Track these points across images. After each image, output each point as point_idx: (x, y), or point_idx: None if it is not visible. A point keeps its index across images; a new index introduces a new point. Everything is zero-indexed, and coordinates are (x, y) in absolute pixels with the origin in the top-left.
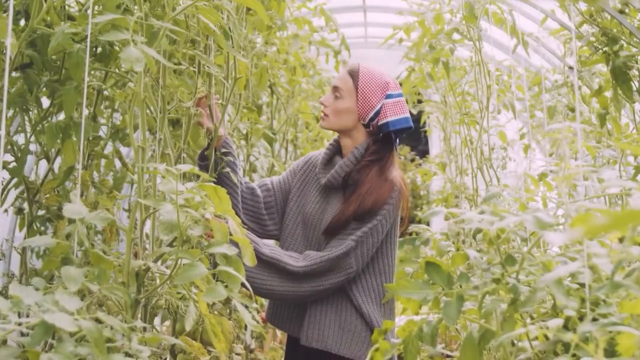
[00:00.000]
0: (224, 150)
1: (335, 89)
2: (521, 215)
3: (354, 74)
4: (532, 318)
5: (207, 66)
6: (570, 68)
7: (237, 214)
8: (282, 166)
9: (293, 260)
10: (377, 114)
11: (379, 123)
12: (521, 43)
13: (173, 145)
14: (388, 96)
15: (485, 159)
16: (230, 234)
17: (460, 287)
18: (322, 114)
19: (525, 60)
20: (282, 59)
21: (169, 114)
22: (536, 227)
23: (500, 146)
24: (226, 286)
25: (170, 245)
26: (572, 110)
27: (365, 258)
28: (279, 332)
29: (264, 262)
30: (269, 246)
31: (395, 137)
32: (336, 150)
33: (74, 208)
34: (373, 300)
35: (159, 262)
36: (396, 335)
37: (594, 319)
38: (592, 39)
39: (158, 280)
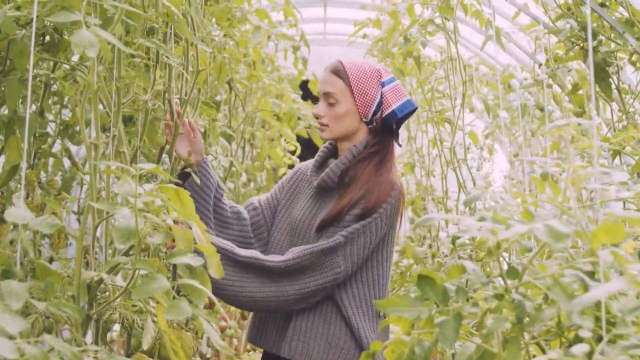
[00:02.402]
0: (199, 174)
1: (327, 95)
2: (530, 223)
3: (341, 73)
4: (533, 337)
5: (166, 56)
6: (541, 65)
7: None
8: (241, 165)
9: (273, 257)
10: (379, 105)
11: (384, 114)
12: (494, 38)
13: (128, 143)
14: (383, 84)
15: (460, 159)
16: (195, 242)
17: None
18: (320, 126)
19: (491, 57)
20: (241, 53)
21: (124, 109)
22: (549, 237)
23: (478, 146)
24: (190, 301)
25: (127, 254)
26: (541, 109)
27: (355, 259)
28: (235, 340)
29: (242, 265)
30: (246, 250)
31: (396, 125)
32: (331, 153)
33: (17, 212)
34: (365, 313)
35: (115, 273)
36: (384, 357)
37: (611, 341)
38: (568, 34)
39: (112, 293)
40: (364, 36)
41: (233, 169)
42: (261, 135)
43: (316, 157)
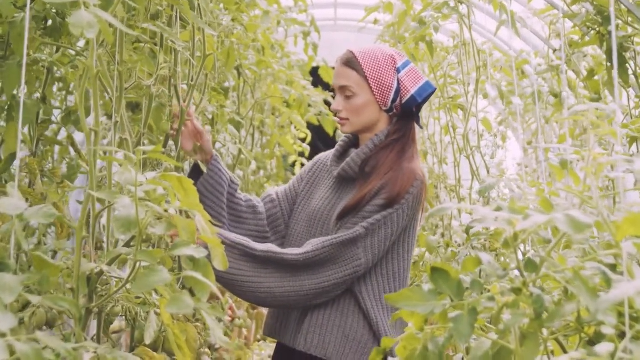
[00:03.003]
0: (210, 172)
1: (343, 89)
2: (549, 213)
3: (354, 64)
4: (552, 333)
5: (171, 41)
6: (555, 51)
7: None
8: (250, 153)
9: (291, 250)
10: (398, 92)
11: (403, 101)
12: (508, 23)
13: (132, 130)
14: (399, 69)
15: (473, 146)
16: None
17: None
18: (340, 120)
19: (505, 43)
20: (250, 38)
21: (129, 94)
22: (571, 228)
23: (491, 133)
24: (193, 294)
25: (128, 245)
26: (556, 95)
27: (375, 252)
28: (244, 330)
29: (259, 259)
30: (262, 244)
31: (416, 109)
32: (352, 143)
33: (11, 202)
34: (384, 306)
35: (115, 265)
36: (395, 354)
37: (634, 337)
38: (584, 18)
39: (115, 285)
40: (375, 21)
41: (242, 156)
42: (271, 122)
43: (337, 146)
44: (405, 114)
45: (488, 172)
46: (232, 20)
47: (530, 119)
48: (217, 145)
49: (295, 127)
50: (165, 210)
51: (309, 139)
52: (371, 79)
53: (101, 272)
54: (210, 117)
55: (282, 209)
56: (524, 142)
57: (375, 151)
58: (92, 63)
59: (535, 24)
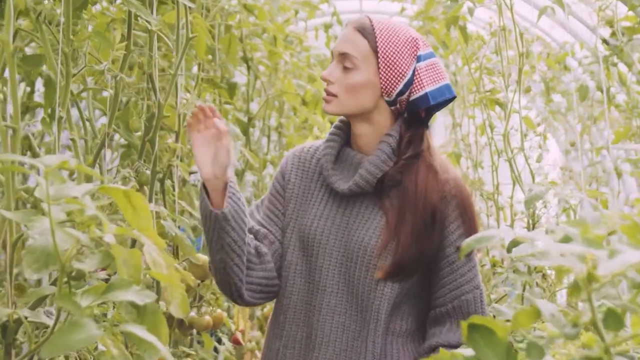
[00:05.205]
0: (233, 197)
1: (344, 56)
2: None
3: (367, 32)
4: None
5: (140, 16)
6: (605, 41)
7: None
8: (257, 157)
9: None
10: (409, 84)
11: (412, 97)
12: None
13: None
14: (419, 58)
15: (516, 148)
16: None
17: None
18: (326, 95)
19: (546, 34)
20: (261, 27)
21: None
22: None
23: (536, 132)
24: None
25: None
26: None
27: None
28: (257, 353)
29: None
30: None
31: (427, 114)
32: (343, 140)
33: None
34: None
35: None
36: None
37: None
38: None
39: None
40: (402, 10)
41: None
42: (288, 122)
43: (326, 147)
44: (412, 116)
45: (533, 178)
46: (243, 6)
47: (574, 118)
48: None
49: (318, 128)
50: (99, 238)
51: None
52: (382, 55)
53: (20, 320)
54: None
55: (280, 242)
56: (566, 143)
57: (397, 160)
58: (7, 37)
59: (581, 10)
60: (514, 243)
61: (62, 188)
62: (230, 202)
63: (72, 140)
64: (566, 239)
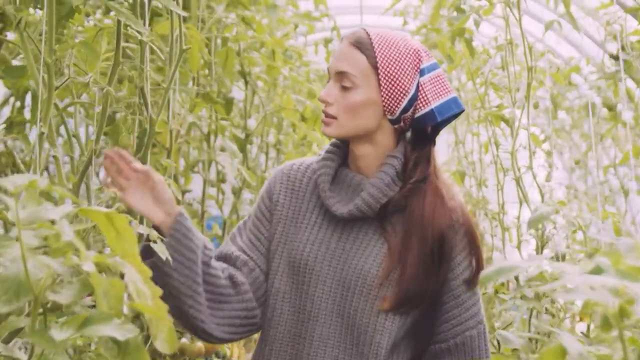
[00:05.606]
0: (176, 233)
1: (341, 75)
2: None
3: (365, 47)
4: None
5: (129, 26)
6: (613, 56)
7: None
8: (254, 175)
9: None
10: (413, 100)
11: (417, 114)
12: (556, 24)
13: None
14: (422, 71)
15: (524, 167)
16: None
17: None
18: (325, 117)
19: (551, 49)
20: (259, 40)
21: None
22: None
23: (544, 150)
24: None
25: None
26: (610, 108)
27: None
28: None
29: None
30: None
31: (432, 132)
32: (341, 159)
33: None
34: None
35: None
36: None
37: None
38: None
39: None
40: (404, 23)
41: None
42: (287, 139)
43: (322, 165)
44: (419, 134)
45: (542, 198)
46: (242, 20)
47: (579, 135)
48: (218, 167)
49: (317, 145)
50: (76, 266)
51: None
52: (383, 71)
53: None
54: (205, 130)
55: (261, 269)
56: (570, 161)
57: (402, 184)
58: None
59: (588, 25)
60: (541, 278)
61: (37, 210)
62: (170, 241)
63: (55, 157)
64: (597, 270)
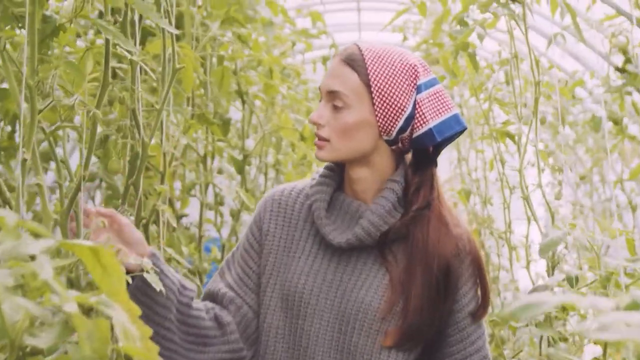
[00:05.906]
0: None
1: (333, 95)
2: None
3: (357, 64)
4: None
5: (118, 45)
6: (618, 69)
7: None
8: (253, 198)
9: None
10: (410, 119)
11: (415, 134)
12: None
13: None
14: (419, 88)
15: (533, 184)
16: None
17: None
18: (317, 140)
19: (555, 63)
20: (256, 59)
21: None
22: None
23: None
24: None
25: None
26: (616, 122)
27: None
28: None
29: None
30: None
31: (434, 152)
32: (336, 184)
33: None
34: None
35: None
36: None
37: None
38: None
39: None
40: (404, 39)
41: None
42: (286, 159)
43: (316, 191)
44: (420, 156)
45: (553, 219)
46: (238, 38)
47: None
48: (216, 189)
49: (317, 165)
50: (58, 307)
51: None
52: (376, 89)
53: None
54: (201, 152)
55: (250, 306)
56: (576, 177)
57: (404, 212)
58: None
59: (592, 37)
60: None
61: (16, 245)
62: (139, 283)
63: (38, 185)
64: (633, 306)
